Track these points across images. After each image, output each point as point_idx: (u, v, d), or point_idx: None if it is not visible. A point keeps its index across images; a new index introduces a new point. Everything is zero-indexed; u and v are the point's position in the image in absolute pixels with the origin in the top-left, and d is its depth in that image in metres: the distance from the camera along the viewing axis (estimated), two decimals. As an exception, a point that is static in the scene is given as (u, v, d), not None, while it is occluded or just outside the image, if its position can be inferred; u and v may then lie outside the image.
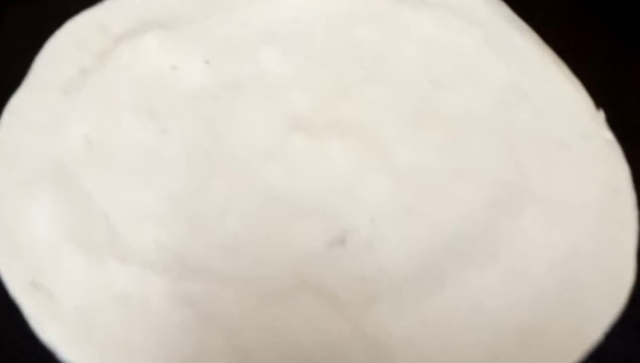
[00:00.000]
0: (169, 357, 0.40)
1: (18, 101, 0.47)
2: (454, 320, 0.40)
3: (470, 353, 0.39)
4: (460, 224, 0.43)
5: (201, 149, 0.46)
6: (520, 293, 0.41)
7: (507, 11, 0.51)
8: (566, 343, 0.40)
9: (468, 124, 0.47)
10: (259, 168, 0.45)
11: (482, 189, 0.44)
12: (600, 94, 0.47)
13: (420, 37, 0.50)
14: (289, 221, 0.43)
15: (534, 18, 0.51)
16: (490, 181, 0.44)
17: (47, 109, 0.47)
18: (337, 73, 0.49)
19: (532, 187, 0.44)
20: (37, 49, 0.49)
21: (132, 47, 0.50)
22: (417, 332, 0.40)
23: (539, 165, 0.45)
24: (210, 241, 0.43)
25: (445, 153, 0.46)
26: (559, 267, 0.42)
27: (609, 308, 0.41)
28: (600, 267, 0.42)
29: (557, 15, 0.52)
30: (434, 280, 0.41)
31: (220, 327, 0.40)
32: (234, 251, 0.42)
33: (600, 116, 0.46)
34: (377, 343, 0.40)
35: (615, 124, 0.46)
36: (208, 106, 0.47)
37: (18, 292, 0.41)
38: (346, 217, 0.43)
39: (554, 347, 0.40)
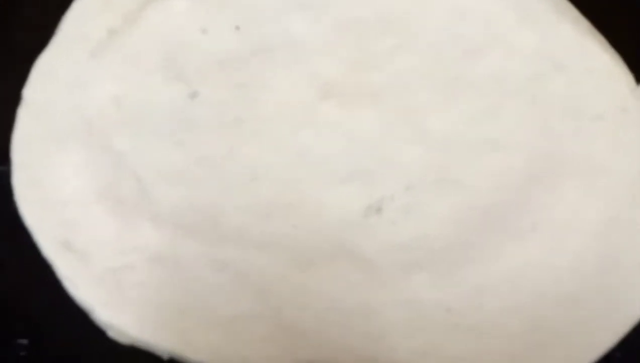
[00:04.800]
0: (203, 318, 0.39)
1: (46, 60, 0.47)
2: (492, 289, 0.40)
3: (509, 321, 0.39)
4: (497, 194, 0.43)
5: (232, 114, 0.45)
6: (559, 264, 0.41)
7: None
8: (606, 319, 0.40)
9: (501, 93, 0.46)
10: (291, 133, 0.45)
11: (517, 159, 0.44)
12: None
13: (451, 6, 0.49)
14: (323, 188, 0.43)
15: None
16: (525, 150, 0.44)
17: (75, 69, 0.46)
18: (366, 41, 0.48)
19: (569, 158, 0.44)
20: (64, 8, 0.48)
21: (160, 9, 0.49)
22: (455, 300, 0.40)
23: (574, 136, 0.44)
24: (243, 205, 0.42)
25: (479, 121, 0.45)
26: (598, 239, 0.41)
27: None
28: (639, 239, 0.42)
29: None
30: (472, 250, 0.41)
31: (255, 290, 0.40)
32: (267, 216, 0.42)
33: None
34: (416, 309, 0.40)
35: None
36: (238, 71, 0.47)
37: (51, 253, 0.41)
38: (381, 185, 0.43)
39: (593, 321, 0.39)
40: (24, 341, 0.39)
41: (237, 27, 0.48)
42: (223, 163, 0.44)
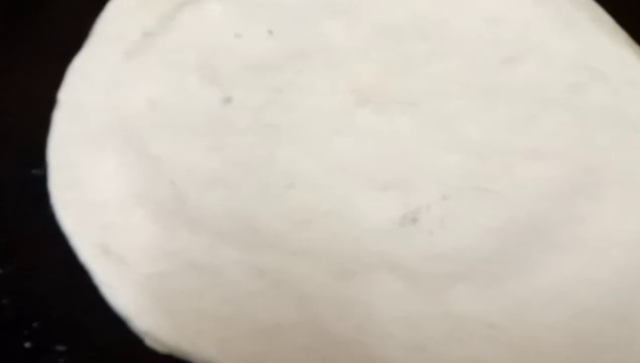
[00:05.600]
0: (242, 326, 0.39)
1: (81, 62, 0.47)
2: (534, 303, 0.39)
3: (551, 337, 0.39)
4: (537, 205, 0.42)
5: (268, 119, 0.45)
6: (601, 278, 0.40)
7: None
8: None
9: (539, 101, 0.46)
10: (327, 140, 0.44)
11: (557, 169, 0.43)
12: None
13: (487, 12, 0.49)
14: (359, 195, 0.43)
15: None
16: (565, 160, 0.43)
17: (110, 71, 0.46)
18: (402, 46, 0.48)
19: (609, 169, 0.43)
20: (99, 9, 0.48)
21: (195, 12, 0.49)
22: (495, 313, 0.39)
23: (614, 147, 0.44)
24: (281, 211, 0.42)
25: (516, 130, 0.45)
26: (640, 251, 0.41)
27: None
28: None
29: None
30: (513, 263, 0.40)
31: (293, 298, 0.40)
32: (305, 223, 0.42)
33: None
34: (457, 321, 0.39)
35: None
36: (273, 76, 0.47)
37: (89, 258, 0.40)
38: (418, 193, 0.43)
39: (636, 333, 0.39)
40: (62, 347, 0.39)
41: (271, 32, 0.48)
42: (259, 168, 0.43)
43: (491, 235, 0.41)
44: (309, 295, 0.40)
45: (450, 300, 0.39)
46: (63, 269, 0.40)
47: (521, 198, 0.42)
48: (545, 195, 0.42)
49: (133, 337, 0.39)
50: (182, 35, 0.48)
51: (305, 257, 0.41)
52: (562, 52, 0.47)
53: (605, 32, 0.48)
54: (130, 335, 0.39)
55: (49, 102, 0.44)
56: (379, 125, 0.45)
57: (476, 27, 0.49)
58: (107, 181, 0.42)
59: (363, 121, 0.45)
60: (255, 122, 0.45)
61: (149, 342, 0.39)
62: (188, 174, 0.43)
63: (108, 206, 0.41)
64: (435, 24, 0.49)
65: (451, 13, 0.49)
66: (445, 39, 0.48)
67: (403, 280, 0.40)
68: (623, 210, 0.42)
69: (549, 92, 0.46)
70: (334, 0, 0.50)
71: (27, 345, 0.39)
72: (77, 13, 0.48)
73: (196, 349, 0.38)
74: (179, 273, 0.40)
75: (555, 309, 0.39)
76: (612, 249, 0.41)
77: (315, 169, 0.43)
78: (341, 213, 0.42)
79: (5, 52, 0.48)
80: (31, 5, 0.50)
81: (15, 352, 0.38)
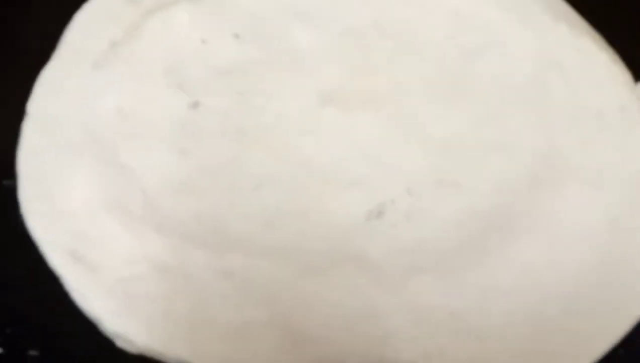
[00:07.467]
0: (210, 327, 0.40)
1: (49, 73, 0.47)
2: (496, 292, 0.40)
3: (513, 324, 0.40)
4: (499, 197, 0.43)
5: (234, 123, 0.46)
6: (562, 266, 0.41)
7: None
8: (609, 317, 0.40)
9: (501, 95, 0.46)
10: (293, 141, 0.45)
11: (519, 162, 0.44)
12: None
13: (448, 10, 0.50)
14: (326, 194, 0.43)
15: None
16: (526, 153, 0.44)
17: (79, 82, 0.46)
18: (366, 47, 0.48)
19: (570, 160, 0.44)
20: (66, 21, 0.49)
21: (161, 20, 0.49)
22: (458, 303, 0.40)
23: (575, 137, 0.45)
24: (248, 213, 0.43)
25: (479, 124, 0.46)
26: (600, 240, 0.42)
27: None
28: (640, 240, 0.42)
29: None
30: (475, 253, 0.41)
31: (261, 297, 0.40)
32: (272, 224, 0.42)
33: (639, 89, 0.46)
34: (420, 314, 0.40)
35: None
36: (239, 80, 0.47)
37: (59, 265, 0.41)
38: (383, 189, 0.43)
39: (596, 320, 0.40)
40: (35, 352, 0.39)
41: (237, 36, 0.49)
42: (227, 172, 0.44)
43: (453, 227, 0.42)
44: (277, 294, 0.40)
45: (413, 291, 0.40)
46: (34, 276, 0.41)
47: (483, 190, 0.43)
48: (507, 187, 0.43)
49: (104, 339, 0.40)
50: (148, 44, 0.48)
51: (273, 257, 0.41)
52: (522, 45, 0.48)
53: (565, 22, 0.49)
54: (101, 337, 0.40)
55: (18, 114, 0.45)
56: (343, 125, 0.45)
57: (438, 25, 0.49)
58: (77, 190, 0.43)
59: (327, 121, 0.46)
60: (222, 127, 0.45)
61: (120, 343, 0.40)
62: (157, 180, 0.43)
63: (78, 214, 0.42)
64: (398, 24, 0.49)
65: (414, 12, 0.50)
66: (408, 39, 0.49)
67: (368, 274, 0.41)
68: (583, 201, 0.43)
69: (511, 86, 0.47)
70: (297, 4, 0.50)
71: (0, 350, 0.39)
72: (44, 24, 0.48)
73: (167, 350, 0.39)
74: (148, 277, 0.41)
75: (517, 298, 0.40)
76: (572, 239, 0.42)
77: (281, 170, 0.44)
78: (308, 212, 0.43)
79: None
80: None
81: (-13, 358, 0.39)
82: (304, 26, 0.49)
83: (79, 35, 0.49)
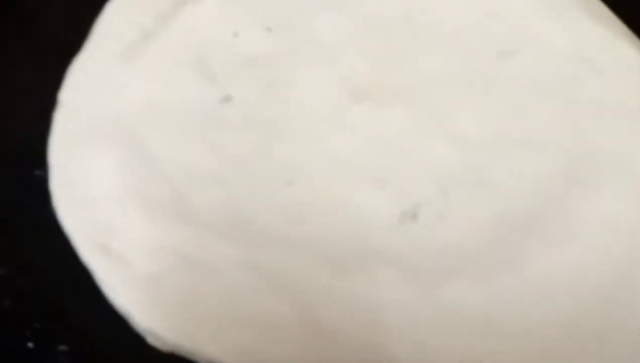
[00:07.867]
0: (239, 322, 0.39)
1: (80, 62, 0.47)
2: (530, 296, 0.40)
3: (548, 326, 0.39)
4: (533, 196, 0.42)
5: (263, 115, 0.45)
6: (599, 268, 0.40)
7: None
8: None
9: (534, 93, 0.46)
10: (324, 136, 0.44)
11: (552, 161, 0.43)
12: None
13: (481, 5, 0.49)
14: (357, 191, 0.43)
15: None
16: (560, 152, 0.44)
17: (109, 71, 0.46)
18: (396, 40, 0.48)
19: (605, 159, 0.43)
20: (98, 11, 0.48)
21: (192, 11, 0.49)
22: (492, 305, 0.40)
23: (610, 137, 0.44)
24: (277, 207, 0.42)
25: (511, 122, 0.45)
26: (635, 238, 0.41)
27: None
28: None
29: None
30: (509, 254, 0.41)
31: (290, 294, 0.40)
32: (302, 219, 0.42)
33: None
34: (453, 316, 0.39)
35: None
36: (269, 72, 0.47)
37: (89, 257, 0.41)
38: (416, 188, 0.43)
39: (636, 324, 0.39)
40: (65, 347, 0.39)
41: (269, 28, 0.48)
42: (256, 164, 0.44)
43: (487, 228, 0.42)
44: (307, 292, 0.40)
45: (447, 294, 0.40)
46: (64, 269, 0.41)
47: (517, 189, 0.43)
48: (541, 186, 0.43)
49: (135, 335, 0.39)
50: (179, 34, 0.48)
51: (303, 253, 0.41)
52: (557, 44, 0.47)
53: (601, 22, 0.48)
54: (132, 333, 0.39)
55: (50, 103, 0.45)
56: (374, 121, 0.45)
57: (470, 20, 0.48)
58: (107, 180, 0.43)
59: (359, 117, 0.45)
60: (252, 119, 0.45)
61: (151, 340, 0.39)
62: (186, 172, 0.43)
63: (108, 205, 0.42)
64: (429, 17, 0.49)
65: (444, 6, 0.49)
66: (439, 32, 0.48)
67: (401, 276, 0.40)
68: (617, 200, 0.42)
69: (544, 83, 0.46)
70: None
71: (30, 345, 0.39)
72: (76, 14, 0.48)
73: (196, 347, 0.39)
74: (177, 271, 0.40)
75: (552, 299, 0.40)
76: (607, 239, 0.41)
77: (311, 164, 0.44)
78: (339, 210, 0.42)
79: (5, 53, 0.48)
80: (30, 6, 0.50)
81: (18, 353, 0.39)
82: (334, 18, 0.49)
83: (110, 25, 0.48)
